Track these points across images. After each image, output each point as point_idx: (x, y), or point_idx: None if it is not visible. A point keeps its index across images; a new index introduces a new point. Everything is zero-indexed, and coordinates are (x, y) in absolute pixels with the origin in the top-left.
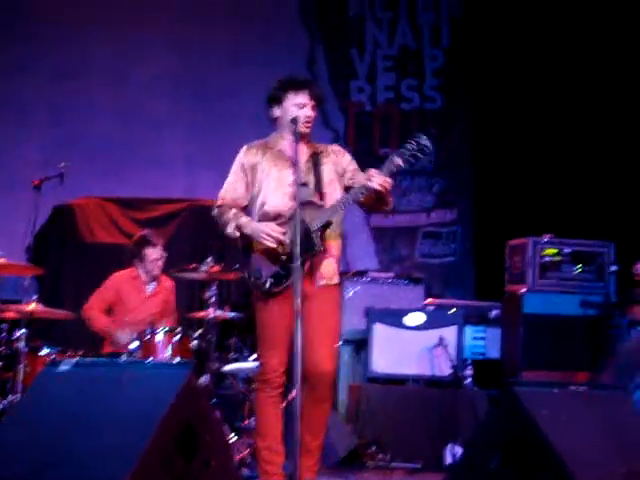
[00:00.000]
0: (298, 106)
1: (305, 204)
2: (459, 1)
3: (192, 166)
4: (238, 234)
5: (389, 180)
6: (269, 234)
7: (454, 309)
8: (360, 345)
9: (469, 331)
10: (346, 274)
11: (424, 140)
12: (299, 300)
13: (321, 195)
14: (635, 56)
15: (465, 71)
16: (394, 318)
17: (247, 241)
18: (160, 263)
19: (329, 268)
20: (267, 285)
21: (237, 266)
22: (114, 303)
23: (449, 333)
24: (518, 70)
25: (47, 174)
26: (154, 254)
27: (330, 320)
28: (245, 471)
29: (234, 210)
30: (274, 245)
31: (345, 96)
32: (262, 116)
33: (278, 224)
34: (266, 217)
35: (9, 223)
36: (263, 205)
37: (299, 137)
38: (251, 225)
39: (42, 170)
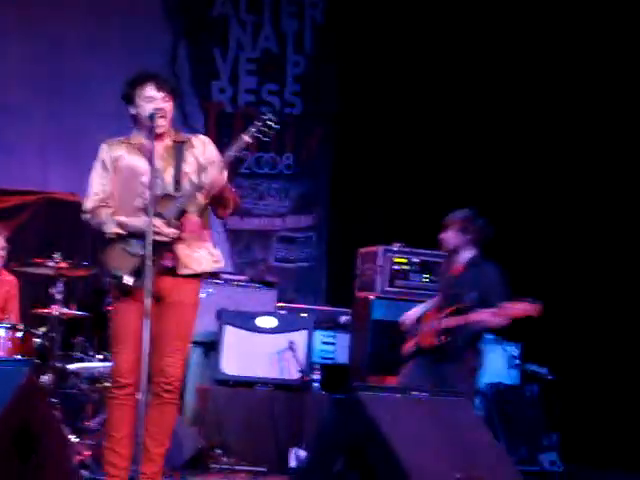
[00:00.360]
0: (147, 100)
1: (163, 197)
2: (322, 8)
3: (46, 158)
4: (121, 231)
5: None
6: (160, 227)
7: (305, 314)
8: (210, 347)
9: (319, 336)
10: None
11: (267, 115)
12: (149, 300)
13: (178, 185)
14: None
15: (327, 78)
16: (246, 321)
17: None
18: (1, 254)
19: (192, 256)
20: (129, 281)
21: (86, 263)
22: None
23: (299, 337)
24: (380, 79)
25: None
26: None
27: (186, 316)
28: (85, 473)
29: (107, 210)
30: (168, 239)
31: (206, 96)
32: (123, 113)
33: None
34: (123, 212)
35: None
36: (122, 201)
37: (154, 134)
38: (134, 222)
39: None
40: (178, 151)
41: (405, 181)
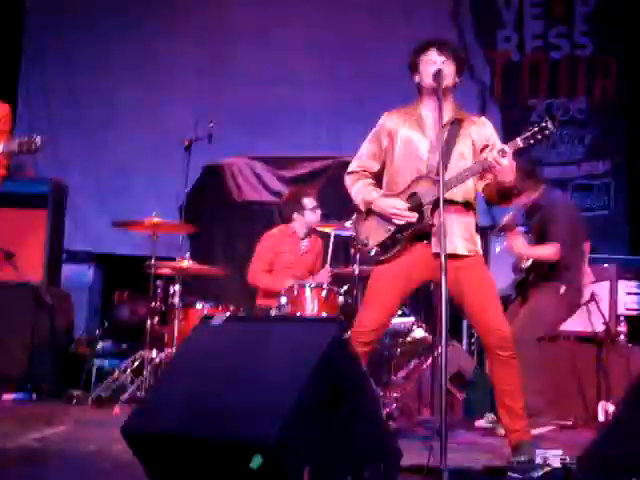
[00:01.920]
0: (428, 63)
1: (426, 176)
2: None
3: (336, 123)
4: (364, 209)
5: (501, 160)
6: (399, 215)
7: (606, 264)
8: (507, 300)
9: (622, 286)
10: (492, 229)
11: (545, 122)
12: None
13: (445, 167)
14: None
15: (618, 16)
16: None
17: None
18: (318, 215)
19: (460, 238)
20: (372, 252)
21: None
22: (272, 262)
23: (601, 289)
24: None
25: (196, 135)
26: (312, 204)
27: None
28: (392, 424)
29: (364, 181)
30: (402, 223)
31: (491, 46)
32: (405, 72)
33: (401, 194)
34: (392, 186)
35: (162, 184)
36: (392, 176)
37: (439, 96)
38: (379, 203)
39: (192, 131)
40: (454, 129)
41: None
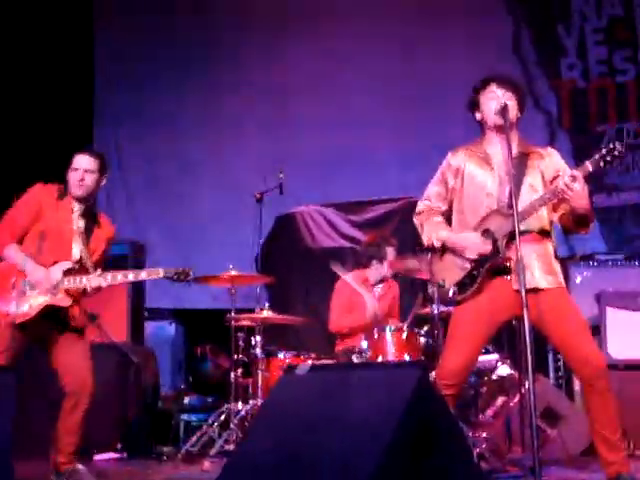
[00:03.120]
0: (490, 97)
1: (496, 211)
2: None
3: (403, 166)
4: (438, 245)
5: (572, 185)
6: (472, 250)
7: None
8: (593, 331)
9: None
10: (572, 259)
11: (614, 144)
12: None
13: (516, 200)
14: None
15: None
16: (628, 301)
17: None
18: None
19: (539, 271)
20: (450, 293)
21: None
22: (351, 307)
23: None
24: None
25: (267, 186)
26: (392, 254)
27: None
28: (484, 465)
29: (434, 218)
30: (475, 257)
31: (555, 75)
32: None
33: (474, 230)
34: (463, 225)
35: (236, 236)
36: (462, 214)
37: (505, 131)
38: (452, 239)
39: (262, 183)
40: (522, 163)
41: None
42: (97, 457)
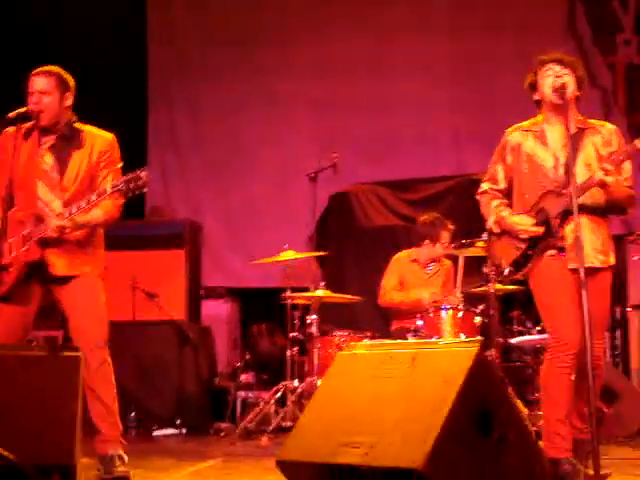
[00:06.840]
0: (547, 75)
1: (550, 191)
2: None
3: (458, 143)
4: (498, 230)
5: (606, 179)
6: (525, 232)
7: None
8: None
9: None
10: (629, 236)
11: None
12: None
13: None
14: None
15: None
16: None
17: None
18: (444, 250)
19: (592, 250)
20: (506, 272)
21: None
22: (401, 283)
23: None
24: None
25: (320, 166)
26: (445, 239)
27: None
28: (541, 443)
29: (495, 201)
30: (525, 237)
31: (611, 52)
32: (520, 90)
33: (530, 210)
34: (522, 203)
35: (291, 216)
36: (521, 192)
37: (563, 108)
38: (507, 222)
39: (314, 163)
40: (578, 140)
41: None
42: (156, 432)
